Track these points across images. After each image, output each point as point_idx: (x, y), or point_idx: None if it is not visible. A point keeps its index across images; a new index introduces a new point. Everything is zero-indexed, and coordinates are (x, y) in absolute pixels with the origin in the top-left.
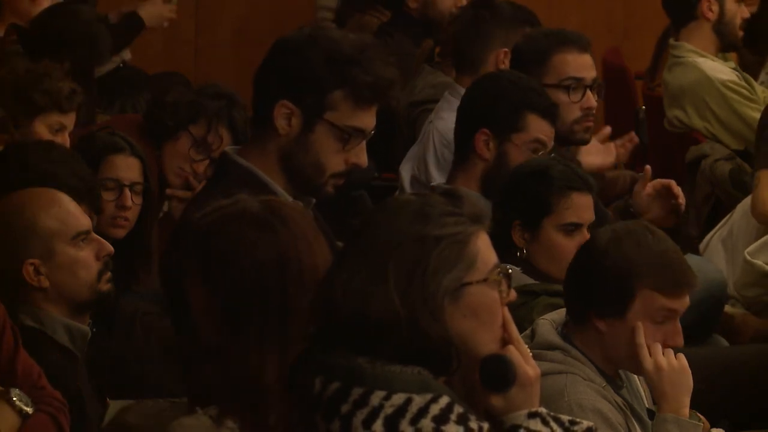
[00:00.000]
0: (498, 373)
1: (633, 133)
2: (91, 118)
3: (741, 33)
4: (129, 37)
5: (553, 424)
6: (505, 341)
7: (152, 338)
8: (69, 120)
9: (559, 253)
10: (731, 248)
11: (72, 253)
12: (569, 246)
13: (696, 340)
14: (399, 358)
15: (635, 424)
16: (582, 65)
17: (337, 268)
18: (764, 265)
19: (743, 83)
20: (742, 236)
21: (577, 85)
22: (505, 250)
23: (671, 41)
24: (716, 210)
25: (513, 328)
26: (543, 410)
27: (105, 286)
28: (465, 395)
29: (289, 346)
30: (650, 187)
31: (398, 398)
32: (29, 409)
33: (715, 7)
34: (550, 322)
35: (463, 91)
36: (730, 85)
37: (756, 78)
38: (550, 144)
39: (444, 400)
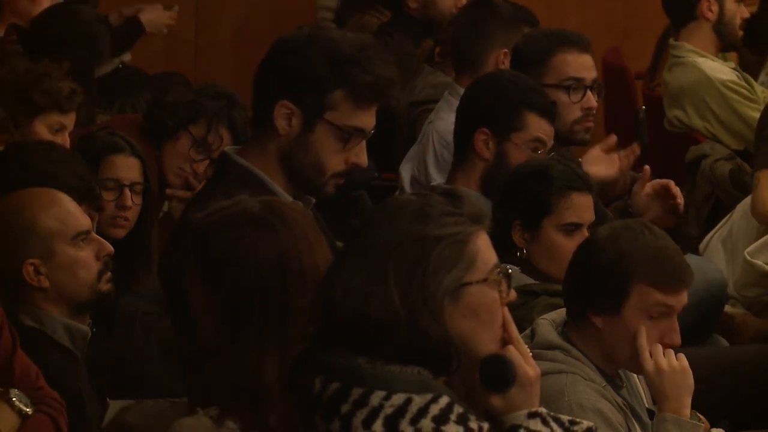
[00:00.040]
0: (498, 373)
1: (636, 145)
2: (91, 118)
3: (741, 33)
4: (129, 42)
5: (553, 424)
6: (505, 341)
7: (152, 338)
8: (69, 120)
9: (559, 253)
10: (731, 248)
11: (72, 253)
12: (569, 246)
13: (696, 340)
14: (399, 358)
15: (635, 424)
16: (582, 65)
17: (337, 268)
18: (764, 265)
19: (743, 83)
20: (742, 236)
21: (577, 85)
22: (505, 250)
23: (671, 41)
24: (716, 210)
25: (513, 328)
26: (543, 410)
27: (105, 286)
28: (465, 395)
29: (289, 346)
30: (649, 187)
31: (398, 398)
32: (29, 410)
33: (715, 7)
34: (549, 321)
35: (462, 91)
36: (730, 85)
37: (756, 78)
38: (550, 143)
39: (444, 400)
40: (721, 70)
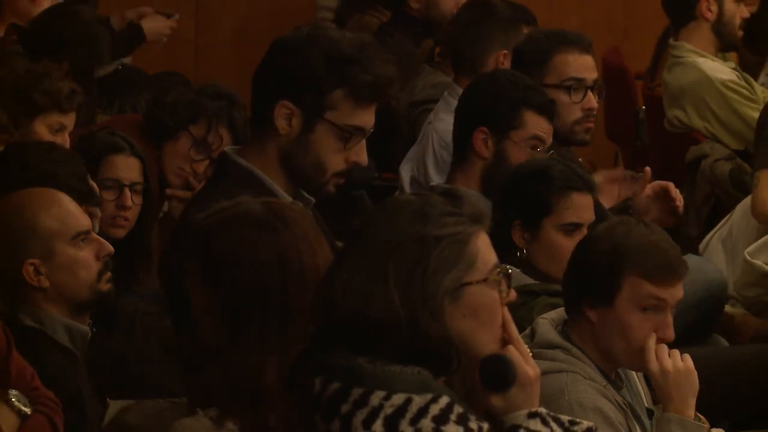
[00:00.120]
0: (498, 373)
1: (647, 171)
2: (91, 118)
3: (740, 33)
4: (130, 48)
5: (552, 424)
6: (505, 341)
7: (152, 338)
8: (69, 120)
9: (559, 253)
10: (731, 248)
11: (72, 253)
12: (569, 246)
13: (696, 340)
14: (399, 358)
15: (635, 423)
16: (583, 66)
17: (337, 268)
18: (764, 265)
19: (743, 83)
20: (742, 236)
21: (578, 85)
22: (505, 250)
23: (671, 41)
24: (716, 210)
25: (513, 328)
26: (543, 410)
27: (105, 286)
28: (465, 395)
29: (289, 346)
30: (649, 188)
31: (398, 398)
32: (28, 410)
33: (714, 7)
34: (549, 321)
35: (461, 92)
36: (730, 85)
37: (756, 78)
38: (549, 140)
39: (444, 400)
40: (721, 70)
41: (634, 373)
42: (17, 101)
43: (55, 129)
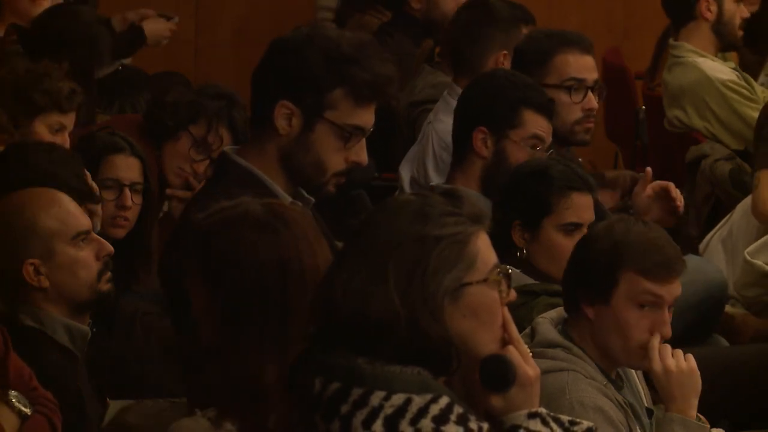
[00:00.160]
0: (498, 373)
1: (648, 171)
2: (91, 118)
3: (740, 33)
4: (131, 49)
5: (552, 424)
6: (505, 341)
7: (152, 338)
8: (69, 120)
9: (559, 253)
10: (731, 248)
11: (72, 253)
12: (569, 246)
13: (696, 340)
14: (399, 358)
15: (635, 423)
16: (584, 66)
17: (337, 268)
18: (764, 265)
19: (743, 83)
20: (742, 236)
21: (578, 85)
22: (505, 250)
23: (671, 41)
24: (716, 210)
25: (513, 328)
26: (543, 410)
27: (105, 286)
28: (465, 395)
29: (289, 346)
30: (650, 188)
31: (398, 398)
32: (28, 411)
33: (714, 7)
34: (549, 320)
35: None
36: (730, 84)
37: (756, 78)
38: (548, 139)
39: (444, 401)
40: (721, 70)
41: (634, 372)
42: (17, 101)
43: (55, 129)
